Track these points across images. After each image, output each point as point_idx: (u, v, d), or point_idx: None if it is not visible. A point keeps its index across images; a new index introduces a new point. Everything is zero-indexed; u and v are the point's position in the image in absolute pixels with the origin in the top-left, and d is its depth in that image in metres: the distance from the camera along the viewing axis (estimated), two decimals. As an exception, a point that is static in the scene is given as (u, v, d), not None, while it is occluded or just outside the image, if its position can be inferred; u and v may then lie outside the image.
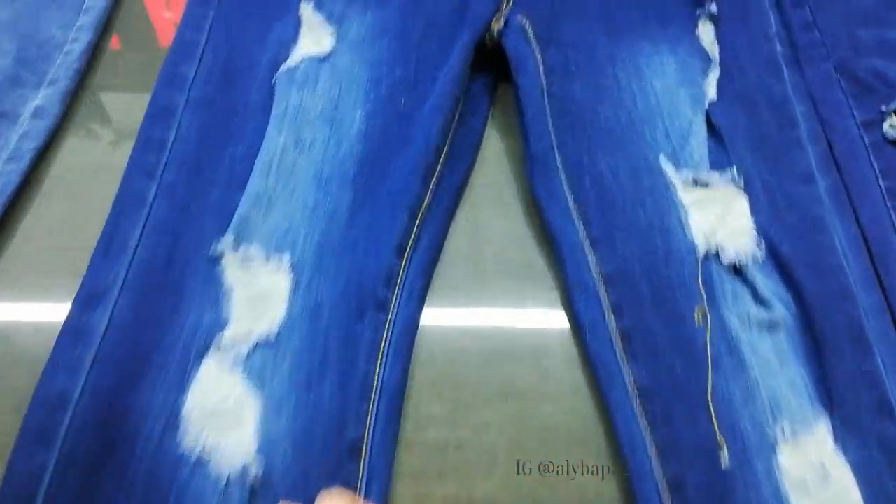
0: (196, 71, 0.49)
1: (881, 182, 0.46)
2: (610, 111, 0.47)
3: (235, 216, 0.42)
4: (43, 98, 0.49)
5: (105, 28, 0.55)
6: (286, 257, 0.41)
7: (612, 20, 0.52)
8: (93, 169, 0.48)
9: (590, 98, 0.48)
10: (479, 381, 0.40)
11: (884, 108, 0.49)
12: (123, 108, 0.52)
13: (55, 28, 0.53)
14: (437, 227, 0.44)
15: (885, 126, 0.48)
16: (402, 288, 0.41)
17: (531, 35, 0.49)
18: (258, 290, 0.40)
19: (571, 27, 0.51)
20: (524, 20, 0.50)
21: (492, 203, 0.47)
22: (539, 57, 0.49)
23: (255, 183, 0.44)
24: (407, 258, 0.42)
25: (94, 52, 0.54)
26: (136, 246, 0.41)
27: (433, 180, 0.44)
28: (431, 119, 0.45)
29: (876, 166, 0.47)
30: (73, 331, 0.38)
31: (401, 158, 0.45)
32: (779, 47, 0.51)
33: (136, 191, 0.44)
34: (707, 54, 0.50)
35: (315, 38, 0.50)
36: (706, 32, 0.52)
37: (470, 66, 0.48)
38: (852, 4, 0.55)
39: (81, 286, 0.40)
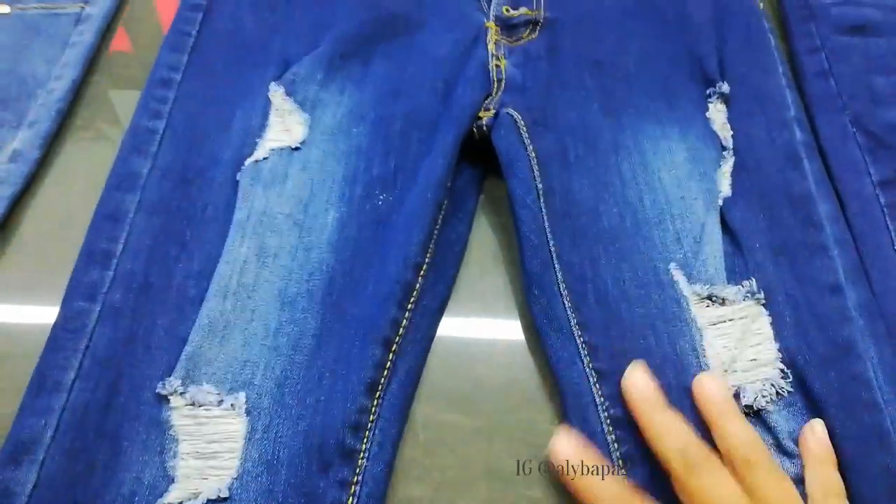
0: (151, 167, 0.44)
1: (896, 247, 0.43)
2: (614, 211, 0.42)
3: (186, 348, 0.37)
4: (20, 141, 0.47)
5: (91, 65, 0.53)
6: (241, 398, 0.36)
7: (612, 98, 0.47)
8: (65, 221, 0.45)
9: (591, 196, 0.43)
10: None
11: (900, 166, 0.46)
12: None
13: (38, 63, 0.51)
14: (414, 359, 0.39)
15: (904, 185, 0.45)
16: (373, 435, 0.35)
17: (523, 128, 0.45)
18: (208, 440, 0.35)
19: (568, 108, 0.47)
20: (515, 112, 0.46)
21: (479, 319, 0.42)
22: (533, 155, 0.44)
23: (210, 306, 0.38)
24: (379, 397, 0.36)
25: (78, 90, 0.51)
26: (72, 384, 0.36)
27: (411, 303, 0.39)
28: (410, 230, 0.40)
29: (892, 229, 0.44)
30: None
31: (375, 276, 0.40)
32: (798, 134, 0.45)
33: (74, 314, 0.38)
34: (719, 140, 0.45)
35: (285, 126, 0.46)
36: (717, 115, 0.47)
37: (455, 164, 0.43)
38: (871, 49, 0.52)
39: (7, 438, 0.34)
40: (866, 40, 0.52)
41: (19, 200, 0.45)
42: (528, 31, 0.51)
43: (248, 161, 0.44)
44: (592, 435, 0.36)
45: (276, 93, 0.47)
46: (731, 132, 0.46)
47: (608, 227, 0.42)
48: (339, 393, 0.35)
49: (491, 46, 0.49)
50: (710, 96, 0.47)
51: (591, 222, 0.42)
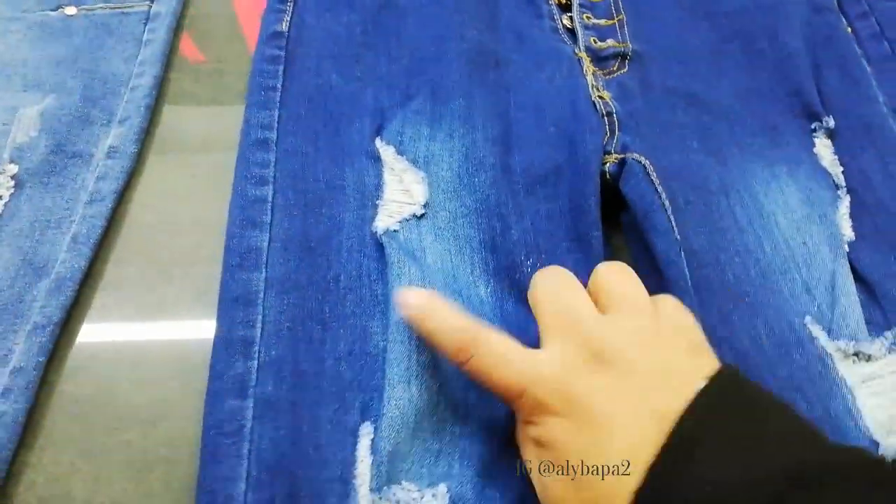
0: (269, 239, 0.40)
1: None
2: (736, 261, 0.40)
3: (379, 446, 0.33)
4: (115, 137, 0.45)
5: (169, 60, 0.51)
6: (442, 489, 0.33)
7: (711, 136, 0.45)
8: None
9: (709, 245, 0.40)
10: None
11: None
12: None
13: (117, 62, 0.50)
14: None
15: None
16: None
17: (654, 177, 0.42)
18: None
19: (670, 149, 0.44)
20: (643, 159, 0.43)
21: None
22: (669, 207, 0.41)
23: (397, 395, 0.34)
24: None
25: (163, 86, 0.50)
26: (245, 496, 0.33)
27: None
28: None
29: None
30: None
31: None
32: None
33: (228, 415, 0.34)
34: (831, 178, 0.44)
35: (403, 185, 0.42)
36: (825, 151, 0.45)
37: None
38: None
39: None
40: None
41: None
42: (617, 63, 0.50)
43: (380, 226, 0.40)
44: None
45: (387, 150, 0.44)
46: (842, 168, 0.45)
47: (733, 280, 0.40)
48: None
49: (589, 77, 0.47)
50: (815, 131, 0.46)
51: (715, 275, 0.40)
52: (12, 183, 0.43)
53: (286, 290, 0.38)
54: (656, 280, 0.40)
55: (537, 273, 0.35)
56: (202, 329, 0.40)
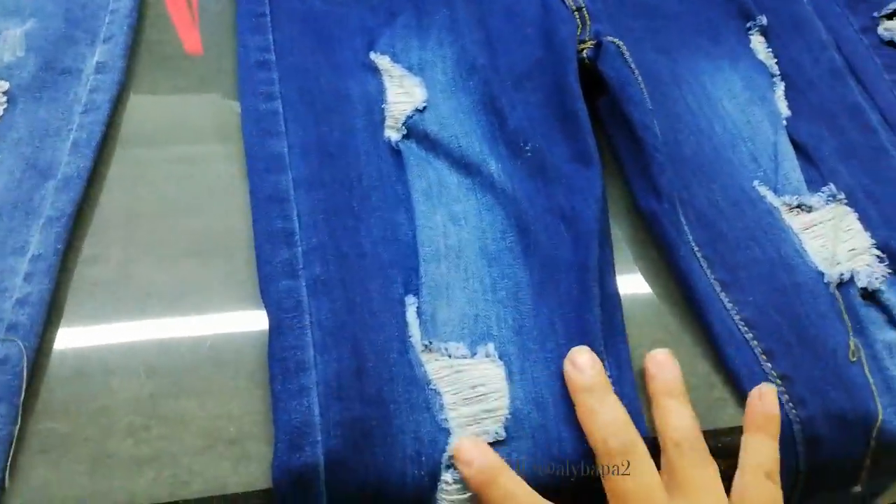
0: (288, 146, 0.41)
1: (886, 75, 0.51)
2: (691, 140, 0.45)
3: (422, 309, 0.37)
4: (101, 54, 0.46)
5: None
6: (490, 347, 0.36)
7: (661, 39, 0.50)
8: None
9: (668, 127, 0.45)
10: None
11: (875, 15, 0.54)
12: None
13: (96, -13, 0.50)
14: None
15: (880, 30, 0.53)
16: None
17: (627, 54, 0.45)
18: (471, 385, 0.35)
19: (633, 49, 0.47)
20: (616, 39, 0.46)
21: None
22: (640, 79, 0.45)
23: (429, 269, 0.38)
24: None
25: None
26: (315, 360, 0.34)
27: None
28: (580, 173, 0.42)
29: (879, 62, 0.52)
30: None
31: (567, 220, 0.40)
32: (837, 56, 0.50)
33: (284, 293, 0.36)
34: (766, 68, 0.49)
35: (404, 88, 0.45)
36: (759, 45, 0.51)
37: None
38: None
39: (278, 430, 0.32)
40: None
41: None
42: None
43: (392, 135, 0.43)
44: (732, 336, 0.38)
45: (383, 60, 0.46)
46: (776, 59, 0.50)
47: (690, 155, 0.44)
48: (576, 337, 0.36)
49: None
50: (750, 29, 0.51)
51: (674, 151, 0.44)
52: (4, 99, 0.43)
53: (314, 187, 0.40)
54: (632, 147, 0.44)
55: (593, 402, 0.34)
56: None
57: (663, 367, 0.35)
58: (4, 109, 0.43)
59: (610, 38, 0.47)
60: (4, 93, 0.44)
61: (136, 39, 0.49)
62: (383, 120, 0.44)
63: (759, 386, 0.36)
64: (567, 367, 0.34)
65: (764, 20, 0.52)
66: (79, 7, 0.49)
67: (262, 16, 0.48)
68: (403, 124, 0.44)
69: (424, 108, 0.44)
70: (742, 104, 0.48)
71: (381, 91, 0.45)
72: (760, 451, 0.33)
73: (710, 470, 0.32)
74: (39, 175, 0.41)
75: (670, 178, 0.42)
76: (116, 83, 0.45)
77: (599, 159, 0.42)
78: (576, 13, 0.49)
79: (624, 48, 0.46)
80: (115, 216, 0.41)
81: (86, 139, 0.42)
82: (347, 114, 0.44)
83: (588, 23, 0.48)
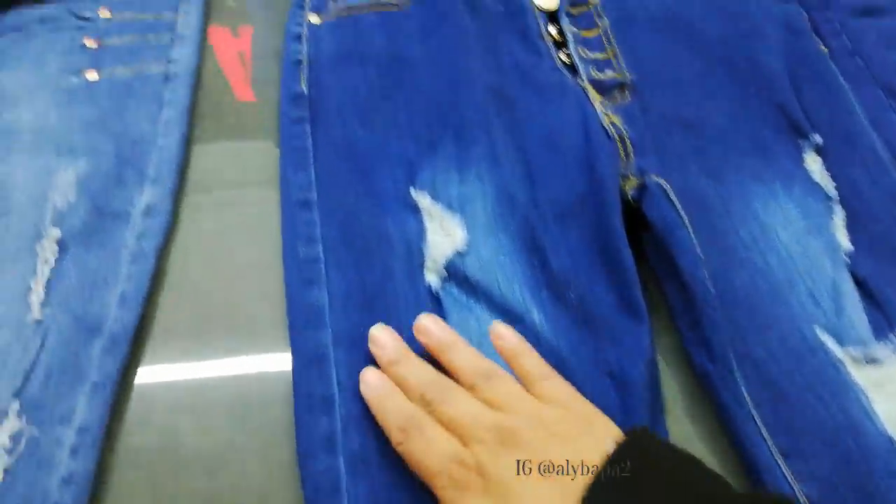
0: (329, 296, 0.41)
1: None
2: (746, 278, 0.42)
3: None
4: (150, 195, 0.46)
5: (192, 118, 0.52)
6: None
7: (708, 159, 0.47)
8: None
9: (720, 264, 0.42)
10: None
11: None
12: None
13: (143, 123, 0.51)
14: None
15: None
16: None
17: (674, 197, 0.43)
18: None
19: (673, 173, 0.46)
20: (661, 180, 0.44)
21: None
22: (690, 226, 0.42)
23: None
24: None
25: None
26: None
27: None
28: (620, 326, 0.40)
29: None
30: None
31: (612, 372, 0.39)
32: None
33: (322, 473, 0.36)
34: (823, 190, 0.46)
35: (444, 230, 0.44)
36: (814, 165, 0.48)
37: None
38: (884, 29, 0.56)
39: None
40: (878, 22, 0.57)
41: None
42: (618, 92, 0.51)
43: (432, 280, 0.43)
44: None
45: (423, 198, 0.45)
46: (833, 181, 0.47)
47: (744, 297, 0.41)
48: None
49: (597, 105, 0.49)
50: (803, 147, 0.48)
51: (728, 292, 0.41)
52: (56, 247, 0.44)
53: (354, 345, 0.39)
54: (682, 297, 0.42)
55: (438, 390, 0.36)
56: (257, 367, 0.42)
57: (429, 326, 0.38)
58: (56, 259, 0.43)
59: (655, 178, 0.45)
60: (57, 241, 0.44)
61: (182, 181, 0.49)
62: (423, 263, 0.43)
63: (490, 328, 0.38)
64: (371, 348, 0.38)
65: (818, 138, 0.49)
66: (129, 144, 0.49)
67: (304, 150, 0.48)
68: (444, 267, 0.43)
69: (465, 252, 0.43)
70: (798, 233, 0.45)
71: (421, 232, 0.45)
72: (530, 364, 0.36)
73: (519, 387, 0.35)
74: (87, 332, 0.41)
75: (724, 335, 0.40)
76: (164, 228, 0.46)
77: (648, 312, 0.40)
78: (618, 142, 0.47)
79: (670, 190, 0.44)
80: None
81: (133, 292, 0.42)
82: (388, 256, 0.43)
83: (631, 156, 0.47)
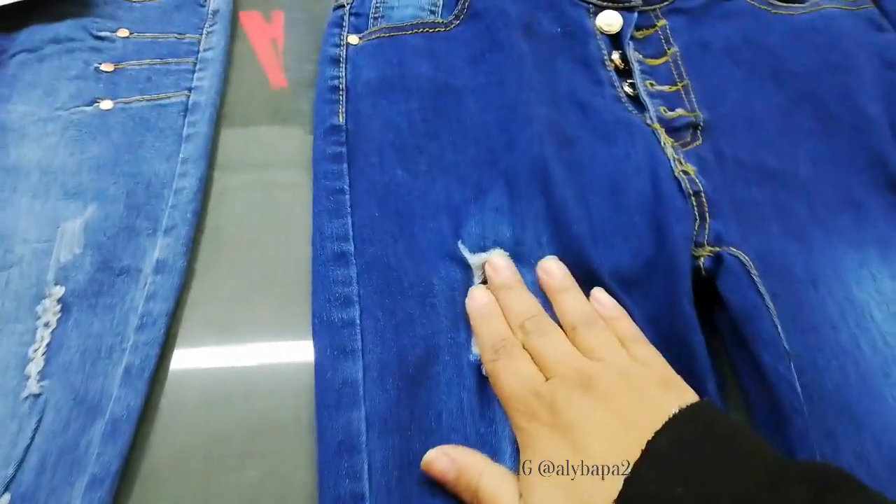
0: (363, 366, 0.37)
1: None
2: (834, 366, 0.36)
3: None
4: (162, 249, 0.42)
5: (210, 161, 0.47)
6: None
7: (791, 216, 0.41)
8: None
9: (804, 348, 0.36)
10: None
11: None
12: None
13: (158, 161, 0.46)
14: None
15: None
16: None
17: (756, 276, 0.37)
18: None
19: (750, 233, 0.40)
20: (741, 254, 0.38)
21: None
22: (774, 311, 0.36)
23: None
24: None
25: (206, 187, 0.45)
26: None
27: None
28: None
29: None
30: None
31: None
32: None
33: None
34: None
35: None
36: None
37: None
38: None
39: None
40: None
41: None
42: (689, 134, 0.45)
43: (477, 353, 0.37)
44: None
45: (476, 261, 0.40)
46: None
47: (833, 389, 0.36)
48: None
49: (669, 151, 0.43)
50: None
51: (814, 382, 0.36)
52: (59, 307, 0.40)
53: (388, 431, 0.35)
54: (763, 394, 0.36)
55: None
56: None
57: (552, 268, 0.39)
58: (59, 320, 0.39)
59: (733, 251, 0.39)
60: (59, 300, 0.40)
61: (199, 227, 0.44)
62: (470, 336, 0.38)
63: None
64: (486, 269, 0.39)
65: None
66: (142, 187, 0.45)
67: (340, 192, 0.43)
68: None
69: None
70: (895, 313, 0.39)
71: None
72: (620, 328, 0.36)
73: (615, 340, 0.35)
74: (87, 413, 0.36)
75: (811, 441, 0.34)
76: (175, 288, 0.41)
77: (722, 405, 0.35)
78: (692, 198, 0.41)
79: (751, 266, 0.38)
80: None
81: (139, 366, 0.38)
82: (431, 324, 0.38)
83: (707, 218, 0.41)
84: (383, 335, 0.38)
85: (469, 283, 0.40)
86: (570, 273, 0.39)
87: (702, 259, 0.39)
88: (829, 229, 0.42)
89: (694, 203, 0.41)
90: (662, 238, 0.39)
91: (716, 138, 0.45)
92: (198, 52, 0.52)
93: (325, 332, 0.38)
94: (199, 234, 0.44)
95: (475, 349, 0.37)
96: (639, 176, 0.42)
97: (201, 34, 0.53)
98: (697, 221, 0.40)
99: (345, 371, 0.37)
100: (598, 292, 0.38)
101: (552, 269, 0.39)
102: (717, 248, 0.39)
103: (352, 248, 0.40)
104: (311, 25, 0.54)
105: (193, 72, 0.51)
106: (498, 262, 0.39)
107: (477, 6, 0.50)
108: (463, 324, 0.38)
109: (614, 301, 0.38)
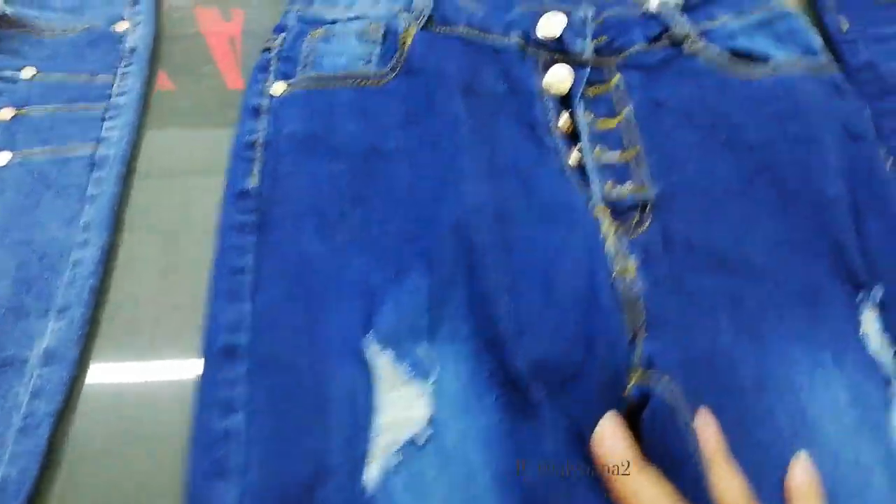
0: (241, 493, 0.32)
1: None
2: (775, 481, 0.33)
3: None
4: (52, 336, 0.37)
5: (117, 223, 0.43)
6: None
7: (743, 308, 0.38)
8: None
9: (749, 470, 0.33)
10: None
11: None
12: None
13: (56, 226, 0.41)
14: None
15: None
16: None
17: (686, 415, 0.33)
18: None
19: (696, 332, 0.36)
20: (672, 389, 0.34)
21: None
22: (699, 456, 0.32)
23: None
24: None
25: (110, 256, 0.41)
26: None
27: None
28: None
29: None
30: None
31: None
32: None
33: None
34: (880, 372, 0.37)
35: (404, 402, 0.35)
36: (872, 330, 0.38)
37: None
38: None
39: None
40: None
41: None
42: (637, 215, 0.41)
43: (371, 477, 0.33)
44: None
45: (382, 358, 0.35)
46: (894, 353, 0.38)
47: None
48: None
49: (610, 243, 0.39)
50: (860, 302, 0.39)
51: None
52: (-70, 408, 0.35)
53: None
54: None
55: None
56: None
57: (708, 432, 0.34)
58: (-71, 423, 0.35)
59: (663, 385, 0.35)
60: (-69, 398, 0.35)
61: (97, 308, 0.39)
62: (365, 454, 0.34)
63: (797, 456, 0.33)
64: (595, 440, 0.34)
65: (879, 293, 0.39)
66: (36, 258, 0.40)
67: (241, 272, 0.38)
68: (395, 454, 0.34)
69: (427, 440, 0.34)
70: (848, 430, 0.35)
71: (369, 405, 0.35)
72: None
73: None
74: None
75: None
76: (64, 384, 0.36)
77: None
78: (627, 308, 0.37)
79: (682, 410, 0.34)
80: None
81: (15, 480, 0.33)
82: (324, 439, 0.34)
83: (641, 334, 0.37)
84: (268, 449, 0.33)
85: (372, 394, 0.35)
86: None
87: (631, 383, 0.35)
88: (782, 325, 0.38)
89: (627, 317, 0.37)
90: (592, 350, 0.36)
91: (666, 217, 0.42)
92: (110, 95, 0.47)
93: (202, 445, 0.33)
94: (99, 311, 0.39)
95: (370, 472, 0.33)
96: (575, 273, 0.38)
97: (115, 75, 0.48)
98: (630, 336, 0.36)
99: (218, 498, 0.32)
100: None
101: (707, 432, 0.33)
102: (647, 381, 0.35)
103: (244, 342, 0.36)
104: (273, 26, 0.49)
105: (104, 119, 0.46)
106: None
107: (414, 60, 0.45)
108: (362, 435, 0.34)
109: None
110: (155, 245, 0.43)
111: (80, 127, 0.45)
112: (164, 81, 0.50)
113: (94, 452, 0.36)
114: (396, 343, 0.36)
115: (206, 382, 0.35)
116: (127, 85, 0.47)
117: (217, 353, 0.36)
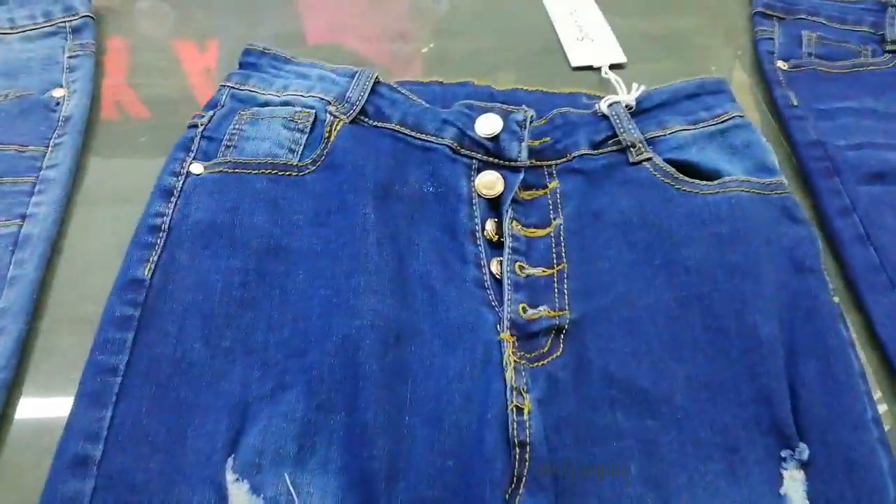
0: None
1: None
2: None
3: None
4: None
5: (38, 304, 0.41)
6: None
7: (655, 455, 0.35)
8: None
9: None
10: None
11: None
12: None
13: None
14: None
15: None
16: None
17: None
18: None
19: (604, 487, 0.34)
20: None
21: None
22: None
23: None
24: None
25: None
26: None
27: None
28: None
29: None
30: None
31: None
32: None
33: None
34: None
35: None
36: (794, 491, 0.35)
37: None
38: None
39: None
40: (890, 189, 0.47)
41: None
42: (549, 342, 0.39)
43: None
44: None
45: (239, 490, 0.33)
46: None
47: None
48: None
49: (509, 375, 0.36)
50: (784, 460, 0.36)
51: None
52: None
53: None
54: None
55: None
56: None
57: None
58: None
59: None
60: None
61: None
62: None
63: None
64: None
65: (805, 453, 0.36)
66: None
67: (112, 372, 0.36)
68: None
69: None
70: None
71: None
72: None
73: None
74: None
75: None
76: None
77: None
78: (515, 452, 0.34)
79: None
80: None
81: None
82: None
83: (522, 487, 0.34)
84: None
85: None
86: None
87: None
88: (694, 479, 0.35)
89: (516, 461, 0.34)
90: (469, 494, 0.33)
91: (584, 344, 0.39)
92: (40, 168, 0.46)
93: None
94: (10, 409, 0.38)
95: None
96: (466, 408, 0.36)
97: (47, 146, 0.47)
98: (512, 484, 0.34)
99: None
100: None
101: None
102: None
103: (97, 455, 0.34)
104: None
105: (32, 194, 0.45)
106: None
107: (336, 154, 0.43)
108: None
109: None
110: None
111: (5, 203, 0.44)
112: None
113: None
114: (256, 473, 0.34)
115: (48, 494, 0.33)
116: (58, 157, 0.46)
117: (64, 464, 0.33)
